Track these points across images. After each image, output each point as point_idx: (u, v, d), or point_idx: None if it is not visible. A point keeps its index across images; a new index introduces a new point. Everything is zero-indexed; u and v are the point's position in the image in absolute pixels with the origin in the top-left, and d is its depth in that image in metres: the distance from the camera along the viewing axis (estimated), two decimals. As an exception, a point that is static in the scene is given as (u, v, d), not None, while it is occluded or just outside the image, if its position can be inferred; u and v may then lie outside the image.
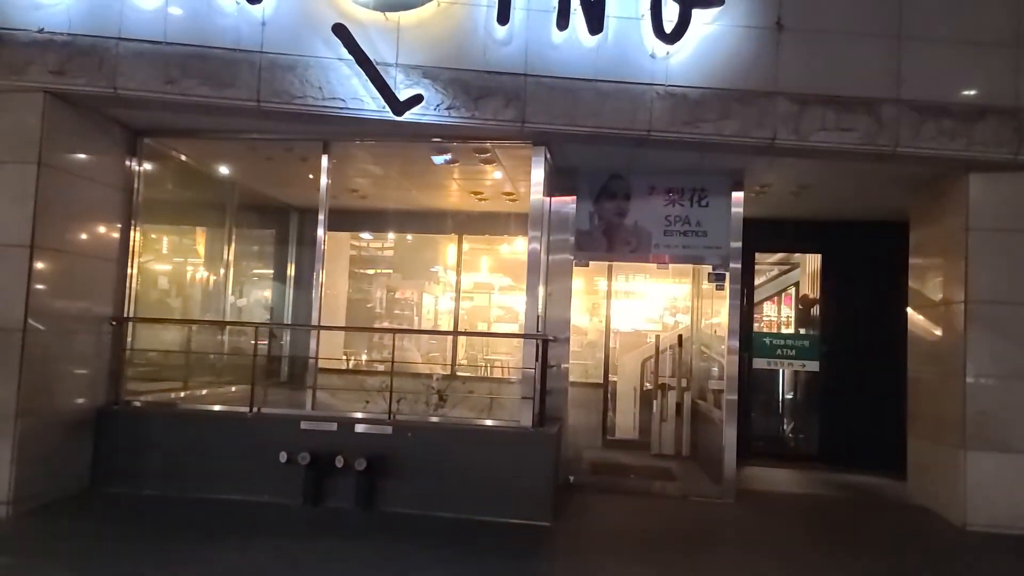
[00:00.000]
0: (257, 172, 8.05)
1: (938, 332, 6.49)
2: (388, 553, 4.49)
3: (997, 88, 5.67)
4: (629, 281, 11.10)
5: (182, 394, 7.09)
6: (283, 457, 5.20)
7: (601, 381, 9.80)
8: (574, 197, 6.95)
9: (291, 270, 10.10)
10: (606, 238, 6.94)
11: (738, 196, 6.70)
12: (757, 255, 9.96)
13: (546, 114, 5.54)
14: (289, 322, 9.53)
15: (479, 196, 8.49)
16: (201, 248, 8.78)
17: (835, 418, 8.83)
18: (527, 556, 4.60)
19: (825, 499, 6.92)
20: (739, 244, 6.71)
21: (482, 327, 10.94)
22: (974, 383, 5.90)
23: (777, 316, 11.43)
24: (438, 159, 6.72)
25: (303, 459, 5.16)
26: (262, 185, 8.83)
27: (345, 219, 10.12)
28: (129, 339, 6.15)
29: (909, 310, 7.11)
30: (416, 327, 10.93)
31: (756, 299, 10.09)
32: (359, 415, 5.77)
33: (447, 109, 5.45)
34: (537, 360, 5.64)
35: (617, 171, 6.93)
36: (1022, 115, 5.67)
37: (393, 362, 5.79)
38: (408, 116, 5.39)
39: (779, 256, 10.59)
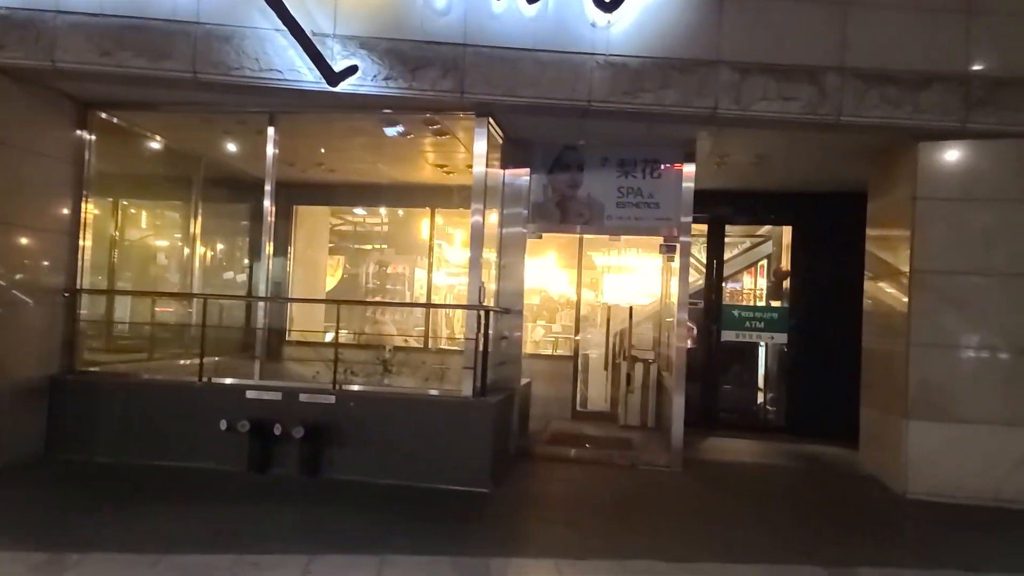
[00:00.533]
0: (221, 146, 8.08)
1: (888, 303, 6.48)
2: (319, 517, 4.60)
3: (945, 55, 5.59)
4: (622, 255, 11.13)
5: (149, 365, 7.23)
6: (223, 425, 5.30)
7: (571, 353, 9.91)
8: (528, 169, 6.95)
9: (268, 247, 10.12)
10: (559, 210, 6.94)
11: (690, 167, 6.66)
12: (728, 227, 9.97)
13: (485, 84, 5.52)
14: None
15: (445, 169, 8.48)
16: (167, 222, 8.86)
17: (802, 390, 8.88)
18: (456, 520, 4.70)
19: (776, 468, 6.99)
20: (690, 216, 6.68)
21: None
22: (917, 352, 5.92)
23: (754, 288, 11.44)
24: (390, 131, 6.72)
25: (243, 427, 5.26)
26: (231, 159, 8.86)
27: (318, 193, 10.21)
28: (83, 310, 6.25)
29: (865, 281, 7.10)
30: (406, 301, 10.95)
31: (728, 272, 10.09)
32: (303, 385, 5.85)
33: (384, 80, 5.45)
34: (480, 331, 5.69)
35: (570, 143, 6.91)
36: (971, 82, 5.60)
37: (337, 333, 5.86)
38: (345, 87, 5.39)
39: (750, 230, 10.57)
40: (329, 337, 8.61)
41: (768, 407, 9.72)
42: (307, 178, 9.61)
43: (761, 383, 9.87)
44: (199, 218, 8.56)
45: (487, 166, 5.98)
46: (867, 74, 5.57)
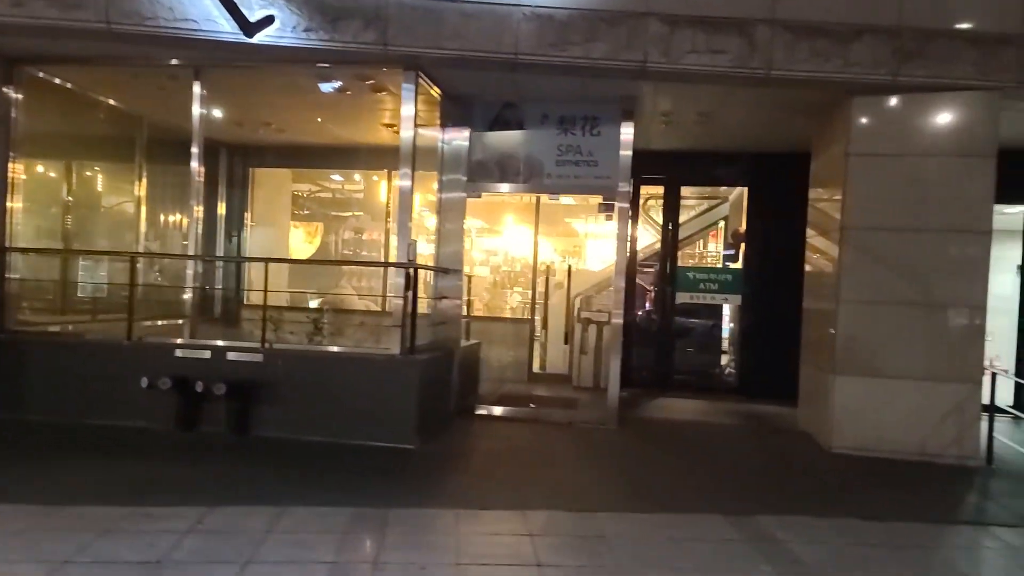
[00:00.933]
0: (162, 104, 7.90)
1: (824, 261, 6.49)
2: (236, 472, 4.62)
3: (875, 7, 5.50)
4: (599, 222, 11.10)
5: (92, 327, 7.20)
6: (144, 382, 5.29)
7: (527, 316, 9.96)
8: (468, 128, 6.86)
9: (221, 208, 10.03)
10: (498, 169, 6.87)
11: (629, 125, 6.58)
12: (686, 189, 9.93)
13: (409, 36, 5.41)
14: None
15: (394, 129, 8.34)
16: (111, 184, 8.72)
17: (754, 351, 8.93)
18: (373, 474, 4.72)
19: (714, 426, 7.06)
20: (628, 175, 6.61)
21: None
22: (845, 309, 5.94)
23: (717, 250, 11.45)
24: (325, 86, 6.61)
25: (163, 384, 5.25)
26: (178, 119, 8.69)
27: (274, 155, 10.07)
28: (14, 273, 6.19)
29: (807, 241, 7.10)
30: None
31: (684, 234, 10.07)
32: (231, 343, 5.84)
33: (305, 31, 5.32)
34: (407, 290, 5.66)
35: (509, 99, 6.80)
36: (902, 35, 5.53)
37: (266, 292, 5.82)
38: (264, 38, 5.27)
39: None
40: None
41: (722, 369, 9.79)
42: (260, 139, 9.47)
43: (717, 345, 9.93)
44: (143, 180, 8.43)
45: (424, 125, 5.89)
46: (797, 27, 5.48)
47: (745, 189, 9.34)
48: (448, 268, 6.81)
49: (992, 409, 5.71)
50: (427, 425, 5.67)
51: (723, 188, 10.05)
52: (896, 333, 5.83)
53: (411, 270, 5.71)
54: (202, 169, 6.47)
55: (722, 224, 10.54)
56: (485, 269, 12.20)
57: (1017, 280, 8.48)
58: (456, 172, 6.86)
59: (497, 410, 7.04)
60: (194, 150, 6.38)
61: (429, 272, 6.81)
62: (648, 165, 9.28)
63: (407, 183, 5.90)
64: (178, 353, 5.66)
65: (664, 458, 5.74)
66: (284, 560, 3.21)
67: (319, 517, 3.78)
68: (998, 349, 8.57)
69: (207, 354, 5.63)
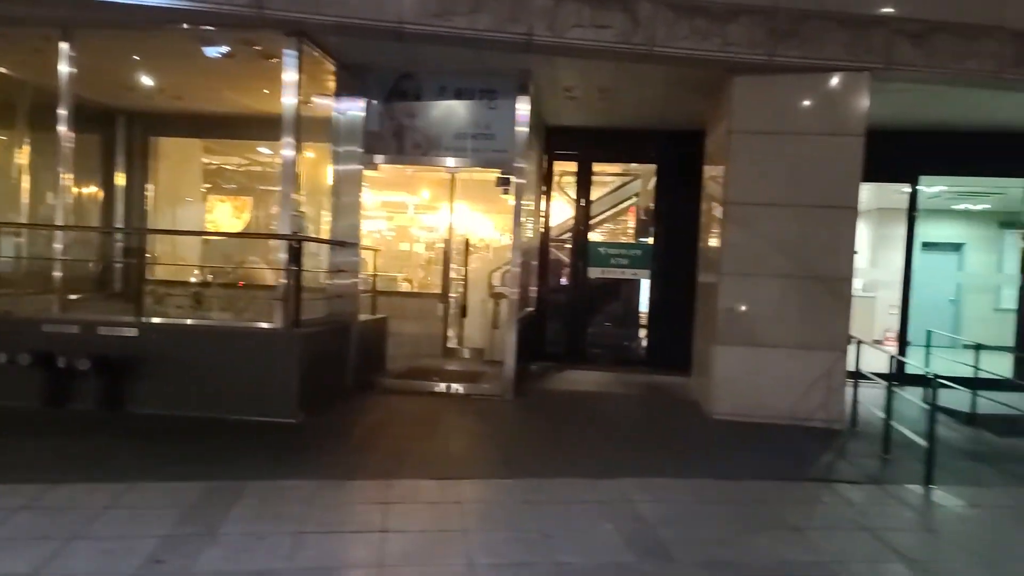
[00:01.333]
0: (44, 68, 7.47)
1: (711, 236, 6.69)
2: (98, 450, 4.49)
3: (754, -13, 5.63)
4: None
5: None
6: (3, 358, 5.07)
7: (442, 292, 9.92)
8: (364, 99, 6.74)
9: (120, 179, 9.60)
10: (396, 140, 6.79)
11: (525, 99, 6.59)
12: (600, 166, 10.03)
13: (286, 0, 5.25)
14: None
15: (302, 100, 8.13)
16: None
17: (662, 324, 9.17)
18: (247, 448, 4.66)
19: (610, 396, 7.24)
20: (523, 149, 6.63)
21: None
22: (727, 282, 6.16)
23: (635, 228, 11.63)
24: (210, 51, 6.38)
25: (23, 360, 5.04)
26: (71, 86, 8.24)
27: (175, 123, 9.66)
28: None
29: (701, 217, 7.30)
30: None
31: (598, 211, 10.21)
32: (101, 317, 5.63)
33: (175, -8, 5.11)
34: (291, 263, 5.57)
35: (407, 71, 6.71)
36: (777, 15, 5.69)
37: (141, 264, 5.63)
38: (128, -2, 5.03)
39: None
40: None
41: (633, 342, 10.03)
42: (158, 107, 9.07)
43: (633, 319, 10.15)
44: (27, 147, 7.99)
45: (319, 94, 5.73)
46: (678, 5, 5.58)
47: (655, 167, 9.53)
48: (344, 241, 6.72)
49: (858, 376, 6.05)
50: (314, 399, 5.62)
51: (634, 165, 10.19)
52: (772, 304, 6.08)
53: (295, 243, 5.61)
54: (71, 134, 6.14)
55: (635, 201, 10.72)
56: (422, 246, 12.18)
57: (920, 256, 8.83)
58: (352, 144, 6.75)
59: (400, 384, 7.04)
60: (61, 112, 6.08)
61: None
62: (561, 141, 9.38)
63: (290, 153, 5.78)
64: (46, 328, 5.43)
65: (549, 427, 5.85)
66: (113, 536, 3.14)
67: (167, 492, 3.71)
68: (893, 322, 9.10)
69: (75, 329, 5.42)
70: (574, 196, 9.63)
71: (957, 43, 5.84)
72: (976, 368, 6.95)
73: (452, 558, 3.15)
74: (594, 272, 9.40)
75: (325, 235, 6.87)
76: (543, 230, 9.50)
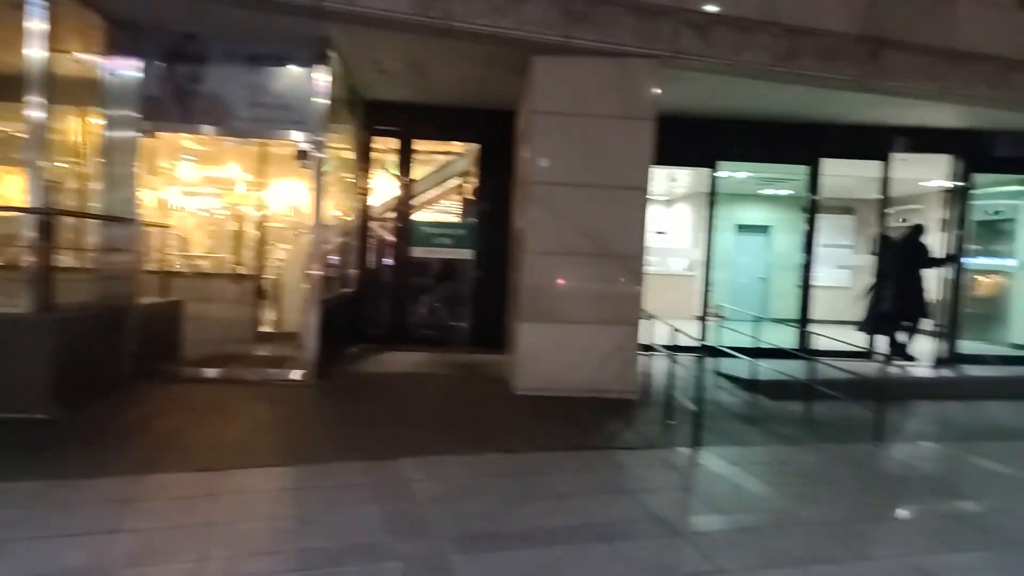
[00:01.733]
0: None
1: (519, 215, 6.78)
2: None
3: (548, -33, 5.70)
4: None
5: None
6: None
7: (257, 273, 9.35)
8: (140, 61, 6.08)
9: None
10: (179, 106, 6.20)
11: (324, 70, 6.25)
12: (418, 142, 9.85)
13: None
14: None
15: (70, 57, 7.19)
16: None
17: (484, 303, 9.22)
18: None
19: (424, 377, 7.16)
20: (324, 121, 6.32)
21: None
22: (530, 260, 6.27)
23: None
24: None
25: None
26: None
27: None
28: None
29: (514, 197, 7.37)
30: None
31: (422, 189, 10.06)
32: None
33: None
34: (41, 240, 4.90)
35: (190, 31, 6.13)
36: (573, -2, 5.80)
37: None
38: None
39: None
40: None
41: (457, 321, 10.03)
42: None
43: (460, 299, 10.13)
44: None
45: (82, 50, 5.04)
46: (475, -21, 5.52)
47: (479, 146, 9.53)
48: (117, 217, 6.05)
49: (649, 348, 6.42)
50: (77, 392, 5.02)
51: (458, 144, 10.13)
52: (572, 282, 6.27)
53: (46, 217, 4.94)
54: None
55: (460, 180, 10.69)
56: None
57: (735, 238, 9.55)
58: (127, 108, 6.08)
59: (194, 372, 6.52)
60: None
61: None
62: (382, 117, 9.10)
63: (37, 114, 5.08)
64: None
65: (346, 411, 5.66)
66: None
67: None
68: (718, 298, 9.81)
69: None
70: (397, 173, 9.42)
71: (735, 35, 6.29)
72: (755, 339, 7.66)
73: (183, 555, 2.89)
74: (418, 251, 9.28)
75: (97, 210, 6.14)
76: (363, 208, 9.20)
